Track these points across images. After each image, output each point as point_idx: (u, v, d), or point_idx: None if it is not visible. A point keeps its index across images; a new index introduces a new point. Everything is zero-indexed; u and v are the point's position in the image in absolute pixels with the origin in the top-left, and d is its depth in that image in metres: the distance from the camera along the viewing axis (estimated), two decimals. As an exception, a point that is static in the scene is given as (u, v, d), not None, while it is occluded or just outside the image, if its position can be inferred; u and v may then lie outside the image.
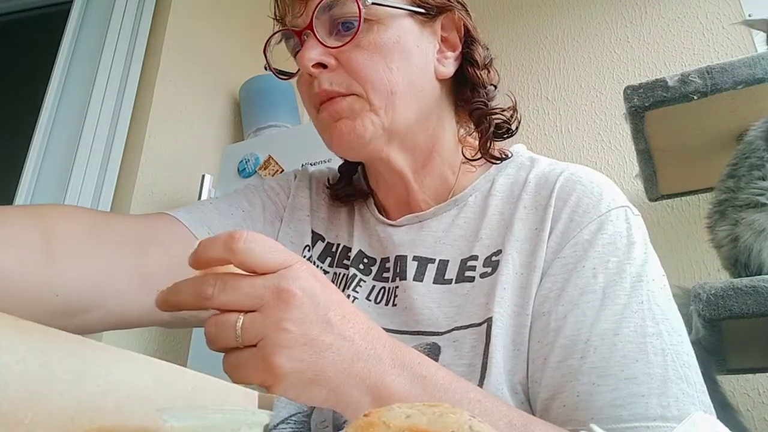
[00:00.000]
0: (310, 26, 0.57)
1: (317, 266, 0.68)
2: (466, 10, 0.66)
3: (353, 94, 0.58)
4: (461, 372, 0.53)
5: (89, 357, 0.29)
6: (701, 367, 0.50)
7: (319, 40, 0.57)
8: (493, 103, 0.66)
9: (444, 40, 0.64)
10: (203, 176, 1.68)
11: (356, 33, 0.57)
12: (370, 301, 0.63)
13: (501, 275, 0.56)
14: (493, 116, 0.65)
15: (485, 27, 2.08)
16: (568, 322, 0.50)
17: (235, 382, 0.39)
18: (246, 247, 0.38)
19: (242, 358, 0.38)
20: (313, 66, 0.57)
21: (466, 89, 0.66)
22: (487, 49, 0.68)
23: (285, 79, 0.66)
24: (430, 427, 0.27)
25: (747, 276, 0.90)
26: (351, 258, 0.66)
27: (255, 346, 0.38)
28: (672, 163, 1.29)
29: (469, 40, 0.66)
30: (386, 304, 0.62)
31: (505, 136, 0.66)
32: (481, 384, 0.51)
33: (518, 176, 0.64)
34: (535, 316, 0.53)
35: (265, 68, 0.66)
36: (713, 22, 1.73)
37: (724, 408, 0.95)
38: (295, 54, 0.63)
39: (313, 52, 0.57)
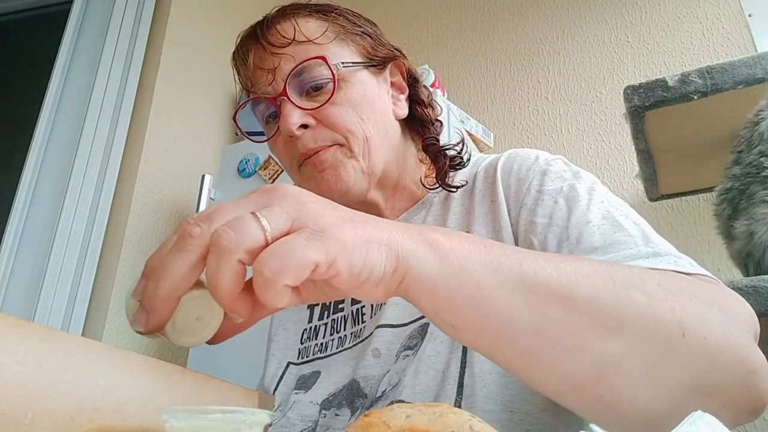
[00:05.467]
0: (284, 93, 0.63)
1: (317, 326, 0.73)
2: (404, 56, 0.74)
3: (336, 144, 0.64)
4: (444, 335, 0.56)
5: (89, 357, 0.29)
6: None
7: (296, 105, 0.63)
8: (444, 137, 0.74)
9: (393, 85, 0.72)
10: (203, 176, 1.68)
11: (333, 94, 0.63)
12: (368, 317, 0.67)
13: None
14: (447, 151, 0.71)
15: (486, 27, 2.08)
16: (548, 237, 0.55)
17: (281, 278, 0.32)
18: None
19: (290, 243, 0.33)
20: (296, 128, 0.62)
21: (417, 125, 0.73)
22: (427, 88, 0.76)
23: (259, 142, 0.71)
24: (430, 427, 0.27)
25: (756, 273, 0.90)
26: (345, 300, 0.71)
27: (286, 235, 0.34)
28: (672, 163, 1.29)
29: (412, 81, 0.74)
30: (379, 308, 0.65)
31: (458, 167, 0.72)
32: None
33: (471, 172, 0.71)
34: None
35: (236, 134, 0.69)
36: (713, 22, 1.73)
37: None
38: (265, 118, 0.68)
39: (295, 116, 0.62)
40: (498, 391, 0.52)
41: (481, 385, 0.52)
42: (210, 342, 0.38)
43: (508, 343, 0.38)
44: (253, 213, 0.34)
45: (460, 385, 0.53)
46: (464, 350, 0.55)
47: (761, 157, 0.93)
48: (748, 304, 0.44)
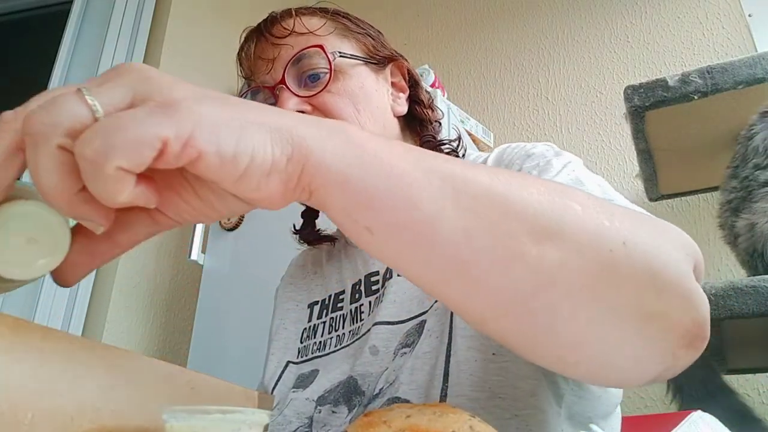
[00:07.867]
0: (282, 81, 0.64)
1: (316, 324, 0.73)
2: (406, 60, 0.76)
3: None
4: (437, 329, 0.57)
5: (89, 357, 0.29)
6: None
7: (293, 92, 0.64)
8: (442, 136, 0.75)
9: (394, 85, 0.73)
10: (203, 176, 1.67)
11: (329, 81, 0.64)
12: (366, 315, 0.68)
13: None
14: (443, 147, 0.72)
15: (486, 27, 2.08)
16: None
17: (109, 159, 0.25)
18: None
19: (123, 116, 0.26)
20: None
21: (416, 125, 0.75)
22: (428, 92, 0.78)
23: None
24: (430, 426, 0.27)
25: (763, 268, 0.90)
26: (344, 299, 0.72)
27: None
28: (672, 163, 1.29)
29: (412, 83, 0.75)
30: (377, 306, 0.66)
31: None
32: (450, 325, 0.56)
33: None
34: None
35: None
36: (713, 22, 1.73)
37: (742, 415, 0.90)
38: None
39: (291, 103, 0.63)
40: (485, 378, 0.52)
41: (467, 373, 0.52)
42: (60, 280, 0.30)
43: (432, 251, 0.32)
44: (77, 89, 0.27)
45: (446, 374, 0.53)
46: (449, 340, 0.55)
47: (757, 170, 0.95)
48: (689, 237, 0.41)
